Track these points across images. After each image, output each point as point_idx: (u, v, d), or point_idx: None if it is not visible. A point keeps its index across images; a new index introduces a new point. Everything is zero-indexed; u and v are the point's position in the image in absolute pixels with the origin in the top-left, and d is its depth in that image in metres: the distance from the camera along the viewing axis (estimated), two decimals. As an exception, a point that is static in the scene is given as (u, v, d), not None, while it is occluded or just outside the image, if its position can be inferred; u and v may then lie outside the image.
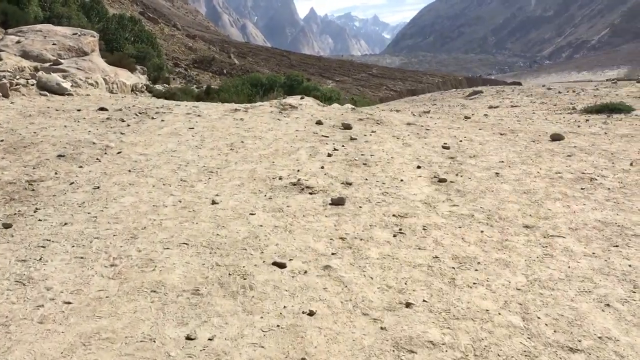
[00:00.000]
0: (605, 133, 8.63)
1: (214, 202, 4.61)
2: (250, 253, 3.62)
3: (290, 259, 3.54)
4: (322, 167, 5.96)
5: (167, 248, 3.66)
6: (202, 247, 3.69)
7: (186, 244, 3.75)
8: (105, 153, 6.34)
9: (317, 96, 45.94)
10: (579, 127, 9.55)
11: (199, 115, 9.06)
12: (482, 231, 4.09)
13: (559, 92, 20.38)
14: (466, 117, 10.85)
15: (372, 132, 8.26)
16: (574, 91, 20.34)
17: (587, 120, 11.44)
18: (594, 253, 3.70)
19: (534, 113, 15.80)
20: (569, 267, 3.48)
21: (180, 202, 4.65)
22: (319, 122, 8.74)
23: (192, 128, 7.99)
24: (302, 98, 25.53)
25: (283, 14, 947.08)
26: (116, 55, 33.42)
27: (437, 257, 3.61)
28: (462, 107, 19.11)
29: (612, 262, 3.54)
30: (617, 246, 3.81)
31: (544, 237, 3.98)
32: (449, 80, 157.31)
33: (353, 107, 11.80)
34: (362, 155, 6.67)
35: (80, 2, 48.99)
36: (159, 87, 17.54)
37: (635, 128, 9.20)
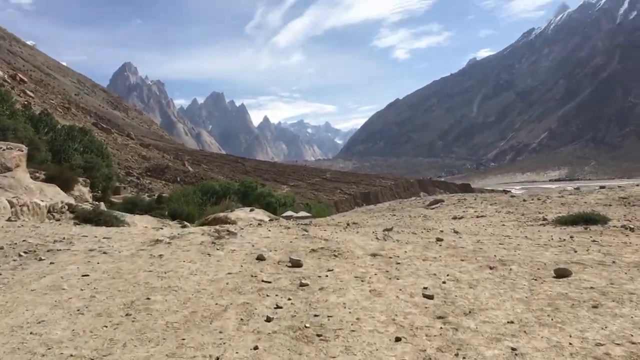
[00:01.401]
0: (614, 262, 7.04)
1: None
2: None
3: None
4: (256, 348, 3.96)
5: None
6: None
7: None
8: None
9: (271, 202, 44.14)
10: (575, 252, 7.96)
11: (104, 253, 7.00)
12: None
13: (524, 200, 19.36)
14: (439, 240, 9.16)
15: (329, 270, 6.38)
16: (539, 199, 19.35)
17: (571, 237, 10.01)
18: None
19: (503, 225, 14.43)
20: None
21: None
22: (260, 258, 6.83)
23: (87, 275, 5.91)
24: (251, 210, 23.68)
25: (237, 123, 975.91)
26: (56, 168, 31.26)
27: None
28: (424, 219, 17.67)
29: None
30: None
31: None
32: (401, 184, 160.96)
33: (305, 230, 9.99)
34: (315, 316, 4.73)
35: (28, 114, 47.46)
36: (85, 205, 15.43)
37: (644, 253, 7.67)
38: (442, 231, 12.05)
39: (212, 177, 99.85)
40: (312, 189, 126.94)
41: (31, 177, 28.30)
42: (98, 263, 6.48)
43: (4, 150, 20.00)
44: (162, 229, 10.51)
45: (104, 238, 8.04)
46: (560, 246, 8.58)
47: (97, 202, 17.72)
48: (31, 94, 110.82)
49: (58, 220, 13.28)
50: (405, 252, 7.78)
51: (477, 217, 16.86)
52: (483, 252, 7.82)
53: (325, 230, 12.31)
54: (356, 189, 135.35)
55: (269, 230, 9.65)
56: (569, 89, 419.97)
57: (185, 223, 28.88)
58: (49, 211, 13.22)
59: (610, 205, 16.88)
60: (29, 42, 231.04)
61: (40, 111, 60.42)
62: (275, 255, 7.10)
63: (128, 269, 6.20)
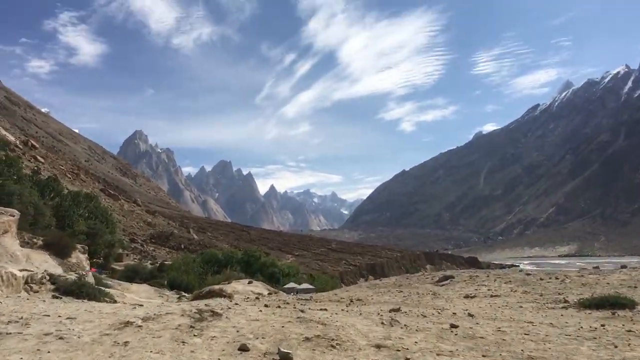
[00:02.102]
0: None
1: None
2: None
3: None
4: None
5: None
6: None
7: None
8: None
9: (275, 272, 42.28)
10: (615, 347, 6.81)
11: (60, 338, 5.93)
12: None
13: (541, 279, 18.07)
14: (453, 326, 8.02)
15: (324, 368, 5.28)
16: (557, 278, 18.08)
17: (602, 325, 8.85)
18: None
19: (521, 306, 13.19)
20: None
21: None
22: (243, 348, 5.73)
23: (28, 369, 4.83)
24: (249, 282, 22.44)
25: (244, 191, 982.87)
26: (55, 235, 30.29)
27: None
28: (433, 296, 16.40)
29: None
30: None
31: None
32: (408, 256, 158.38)
33: (301, 310, 8.88)
34: None
35: (35, 179, 47.04)
36: (69, 276, 14.35)
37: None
38: (455, 313, 10.87)
39: (217, 245, 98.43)
40: (317, 259, 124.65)
41: (29, 243, 27.40)
42: (48, 352, 5.40)
43: (-6, 215, 19.32)
44: (140, 306, 9.40)
45: (67, 318, 6.98)
46: (594, 338, 7.41)
47: (83, 273, 16.64)
48: (41, 159, 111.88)
49: (36, 292, 12.21)
50: (416, 342, 6.64)
51: (491, 296, 15.61)
52: (507, 345, 6.67)
53: (325, 309, 11.14)
54: (362, 260, 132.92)
55: (260, 311, 8.54)
56: (576, 164, 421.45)
57: (183, 293, 27.55)
58: (26, 282, 12.16)
59: (635, 287, 15.59)
60: (43, 110, 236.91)
61: (47, 177, 60.19)
62: (262, 345, 6.00)
63: (81, 361, 5.12)
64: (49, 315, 7.17)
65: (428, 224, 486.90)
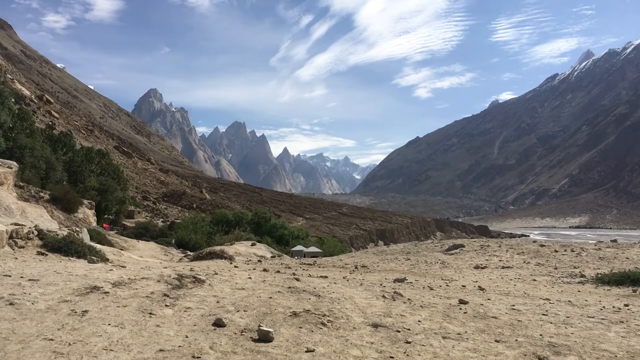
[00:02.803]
0: None
1: None
2: None
3: None
4: None
5: None
6: None
7: None
8: None
9: (284, 235, 41.79)
10: (648, 335, 5.96)
11: (11, 304, 5.17)
12: None
13: (555, 251, 17.19)
14: (462, 302, 7.21)
15: (308, 351, 4.47)
16: (572, 250, 17.19)
17: (626, 305, 8.02)
18: None
19: (534, 280, 12.38)
20: None
21: None
22: (218, 324, 4.94)
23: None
24: (253, 244, 21.79)
25: (257, 153, 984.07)
26: (61, 189, 29.81)
27: None
28: (442, 266, 15.64)
29: None
30: None
31: None
32: (418, 222, 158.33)
33: (297, 279, 8.10)
34: None
35: (48, 134, 46.55)
36: (60, 231, 13.68)
37: None
38: (464, 286, 10.09)
39: (229, 206, 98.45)
40: (328, 222, 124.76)
41: (35, 197, 26.89)
42: (-9, 320, 4.65)
43: (-11, 166, 18.71)
44: (121, 268, 8.67)
45: (29, 280, 6.23)
46: (621, 322, 6.56)
47: (77, 229, 15.99)
48: (56, 114, 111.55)
49: (22, 247, 11.55)
50: (419, 321, 5.82)
51: (503, 267, 14.81)
52: (523, 327, 5.84)
53: (325, 276, 10.41)
54: (372, 225, 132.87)
55: (249, 278, 7.76)
56: (592, 136, 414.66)
57: (188, 252, 27.15)
58: (10, 237, 11.49)
59: (657, 262, 14.73)
60: (58, 65, 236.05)
61: (60, 132, 59.68)
62: (242, 319, 5.21)
63: (24, 333, 4.36)
64: (10, 276, 6.43)
65: (440, 192, 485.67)
